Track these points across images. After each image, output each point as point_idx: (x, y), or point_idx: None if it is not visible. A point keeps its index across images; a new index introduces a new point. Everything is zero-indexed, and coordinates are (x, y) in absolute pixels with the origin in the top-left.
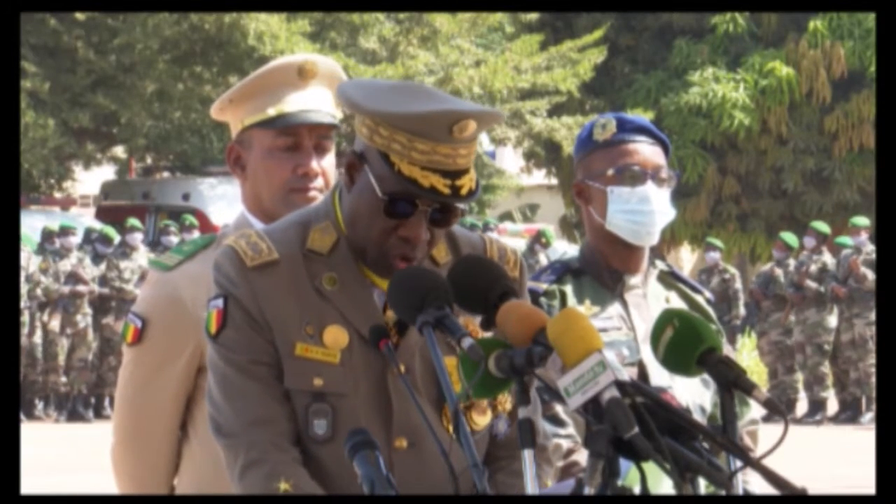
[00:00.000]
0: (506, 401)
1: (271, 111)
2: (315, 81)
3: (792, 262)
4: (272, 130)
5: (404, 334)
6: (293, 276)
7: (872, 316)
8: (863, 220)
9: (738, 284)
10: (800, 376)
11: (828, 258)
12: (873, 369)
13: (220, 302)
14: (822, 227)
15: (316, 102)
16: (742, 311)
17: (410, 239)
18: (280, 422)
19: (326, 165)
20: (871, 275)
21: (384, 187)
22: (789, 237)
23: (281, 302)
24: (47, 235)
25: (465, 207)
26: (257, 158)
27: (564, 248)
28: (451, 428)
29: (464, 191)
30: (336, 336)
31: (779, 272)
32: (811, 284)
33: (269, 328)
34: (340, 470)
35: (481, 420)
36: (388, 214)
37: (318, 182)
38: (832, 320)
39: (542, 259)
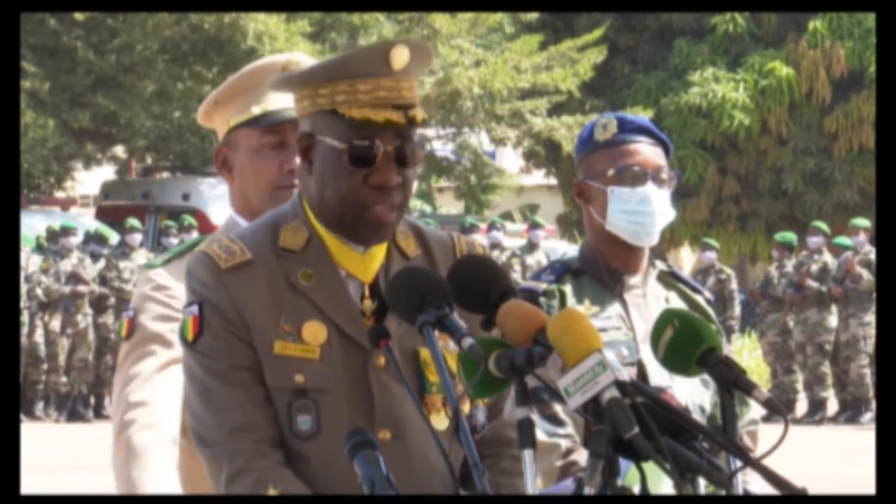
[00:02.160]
0: None
1: (255, 109)
2: None
3: (790, 263)
4: (257, 129)
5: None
6: (268, 275)
7: (867, 317)
8: (862, 222)
9: (734, 285)
10: (799, 376)
11: (828, 258)
12: (865, 370)
13: (195, 308)
14: (825, 226)
15: None
16: (737, 311)
17: (383, 184)
18: (262, 428)
19: None
20: (866, 275)
21: (342, 139)
22: (783, 237)
23: (257, 301)
24: (52, 235)
25: (425, 146)
26: (244, 158)
27: (564, 248)
28: (432, 419)
29: (418, 118)
30: (315, 332)
31: (774, 273)
32: (812, 284)
33: (246, 329)
34: (325, 465)
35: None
36: (353, 163)
37: None
38: (833, 320)
39: (542, 255)
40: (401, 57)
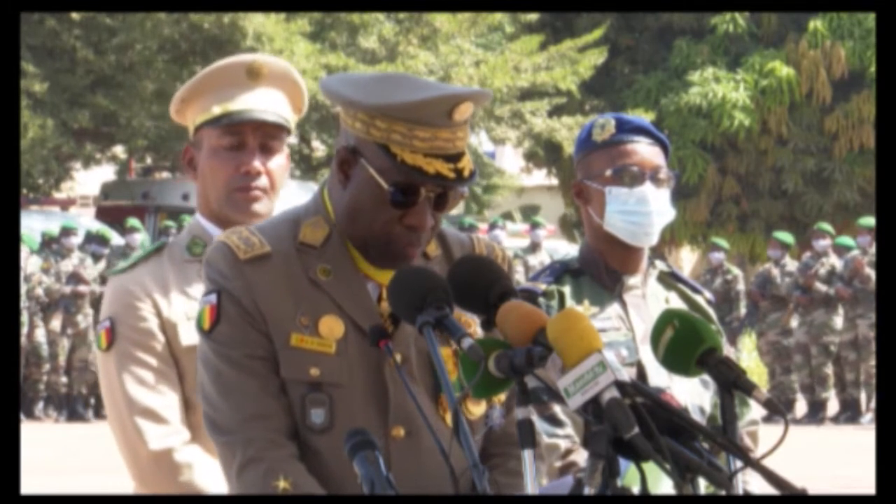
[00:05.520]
0: None
1: (216, 109)
2: (265, 82)
3: (788, 262)
4: (217, 129)
5: (399, 325)
6: (286, 268)
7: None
8: (869, 221)
9: (741, 286)
10: (796, 376)
11: (835, 260)
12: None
13: (213, 297)
14: (831, 229)
15: (264, 103)
16: (743, 312)
17: (416, 226)
18: (277, 417)
19: (273, 166)
20: (875, 276)
21: (388, 178)
22: (784, 236)
23: (275, 293)
24: (48, 241)
25: (465, 190)
26: (205, 158)
27: (566, 249)
28: (447, 419)
29: (466, 172)
30: (331, 326)
31: (775, 273)
32: (820, 287)
33: (263, 320)
34: (338, 459)
35: (476, 410)
36: (394, 205)
37: (262, 181)
38: (839, 321)
39: (545, 255)
40: (466, 111)
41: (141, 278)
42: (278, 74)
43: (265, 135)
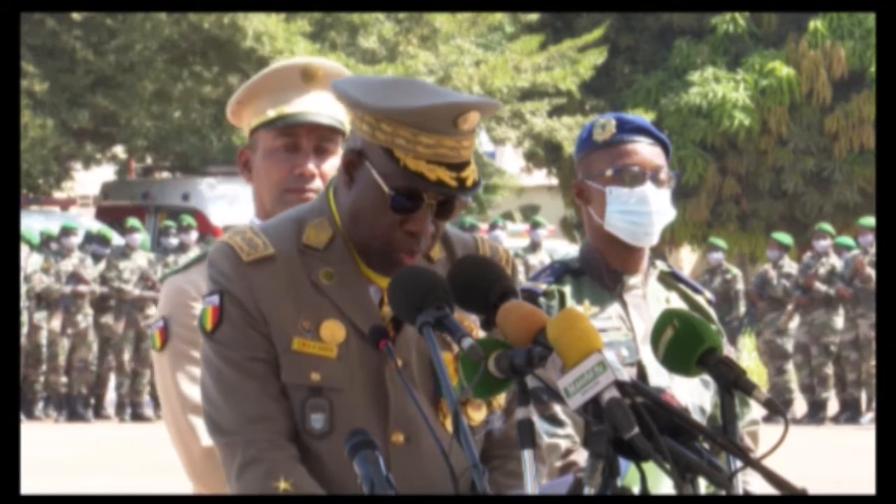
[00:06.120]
0: (500, 396)
1: (271, 112)
2: (319, 85)
3: (786, 263)
4: (273, 131)
5: (400, 329)
6: (289, 271)
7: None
8: (870, 221)
9: (740, 285)
10: (793, 376)
11: (835, 260)
12: None
13: (215, 298)
14: (831, 229)
15: (318, 105)
16: (742, 311)
17: (416, 233)
18: (278, 419)
19: (327, 168)
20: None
21: (390, 183)
22: (782, 237)
23: (277, 296)
24: (46, 240)
25: (469, 200)
26: (259, 160)
27: (566, 249)
28: (447, 423)
29: (469, 182)
30: (333, 331)
31: (772, 274)
32: (820, 287)
33: (265, 323)
34: (338, 464)
35: (477, 415)
36: (394, 210)
37: (315, 184)
38: (839, 321)
39: (545, 254)
40: (471, 120)
41: (195, 279)
42: (333, 77)
43: (320, 137)
